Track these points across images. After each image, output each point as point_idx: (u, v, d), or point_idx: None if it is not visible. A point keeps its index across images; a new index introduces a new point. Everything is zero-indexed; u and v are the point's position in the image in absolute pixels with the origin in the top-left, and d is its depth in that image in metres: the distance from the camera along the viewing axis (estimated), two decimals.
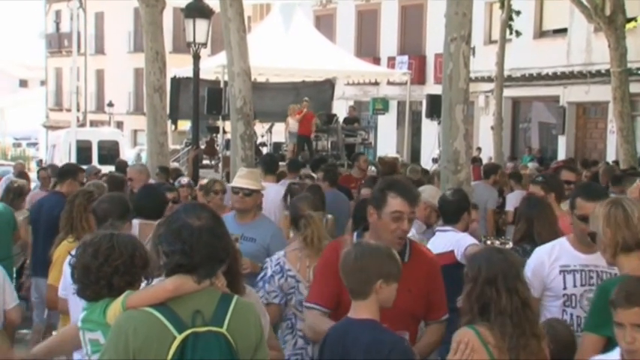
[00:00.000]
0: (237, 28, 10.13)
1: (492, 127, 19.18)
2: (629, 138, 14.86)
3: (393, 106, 28.72)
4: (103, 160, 22.02)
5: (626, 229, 3.59)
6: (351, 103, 27.83)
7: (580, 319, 4.16)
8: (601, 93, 19.48)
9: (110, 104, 41.81)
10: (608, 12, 15.13)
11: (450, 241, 5.34)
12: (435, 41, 22.24)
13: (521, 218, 5.46)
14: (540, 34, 23.52)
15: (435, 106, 16.99)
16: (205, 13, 13.50)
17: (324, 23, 30.08)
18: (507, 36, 18.34)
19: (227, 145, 16.90)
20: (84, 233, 4.77)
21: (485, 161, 17.49)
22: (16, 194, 9.02)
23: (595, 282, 4.19)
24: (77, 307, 4.09)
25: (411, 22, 28.37)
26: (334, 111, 23.28)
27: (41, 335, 6.84)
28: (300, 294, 4.66)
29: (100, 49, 47.13)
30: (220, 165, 17.22)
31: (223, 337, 2.82)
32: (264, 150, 20.47)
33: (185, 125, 25.69)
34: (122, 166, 12.76)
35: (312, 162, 12.14)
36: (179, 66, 21.34)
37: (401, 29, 28.80)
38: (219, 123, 19.03)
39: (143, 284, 3.21)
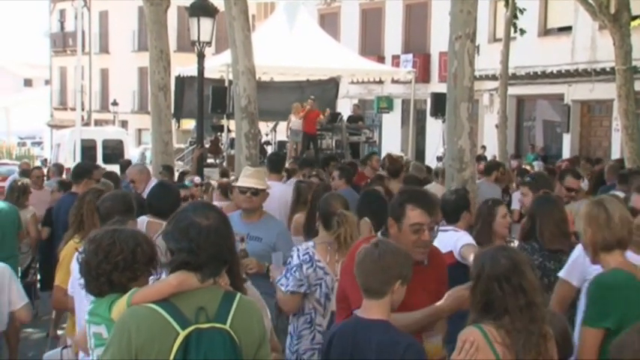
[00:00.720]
0: (241, 26, 10.13)
1: (497, 125, 19.12)
2: (634, 136, 14.78)
3: (398, 104, 28.67)
4: (107, 159, 22.01)
5: (606, 229, 3.67)
6: (356, 101, 27.84)
7: None
8: (606, 91, 19.42)
9: (115, 103, 41.84)
10: (612, 10, 15.06)
11: (449, 242, 5.35)
12: (439, 39, 22.24)
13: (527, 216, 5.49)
14: (545, 32, 23.45)
15: (439, 104, 17.02)
16: (210, 11, 13.50)
17: (329, 22, 30.06)
18: (512, 34, 18.24)
19: (231, 143, 16.93)
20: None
21: (489, 159, 17.45)
22: (20, 193, 9.01)
23: None
24: (81, 305, 4.10)
25: (416, 20, 28.28)
26: (339, 109, 23.29)
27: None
28: (326, 287, 4.64)
29: (104, 48, 47.16)
30: (225, 164, 17.20)
31: (227, 333, 2.81)
32: (269, 149, 20.49)
33: (189, 124, 25.78)
34: (126, 165, 12.78)
35: (322, 160, 12.19)
36: (183, 65, 21.38)
37: (405, 27, 28.73)
38: (224, 122, 19.09)
39: (152, 279, 3.21)
